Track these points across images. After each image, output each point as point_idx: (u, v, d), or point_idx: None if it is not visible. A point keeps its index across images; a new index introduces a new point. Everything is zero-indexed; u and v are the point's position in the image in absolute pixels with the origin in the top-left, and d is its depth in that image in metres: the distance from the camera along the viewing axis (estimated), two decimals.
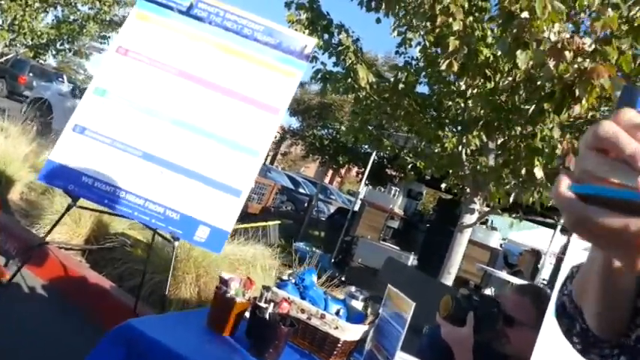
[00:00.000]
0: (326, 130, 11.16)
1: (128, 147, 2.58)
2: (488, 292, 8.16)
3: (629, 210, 0.35)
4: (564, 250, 11.24)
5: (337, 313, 2.04)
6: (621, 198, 0.35)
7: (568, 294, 0.69)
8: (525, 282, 7.85)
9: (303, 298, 2.07)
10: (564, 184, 0.39)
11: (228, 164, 2.57)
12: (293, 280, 2.14)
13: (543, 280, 9.09)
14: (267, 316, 1.81)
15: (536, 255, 8.81)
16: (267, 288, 2.03)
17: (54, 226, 2.75)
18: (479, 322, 2.10)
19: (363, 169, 11.26)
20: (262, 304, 1.90)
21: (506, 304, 2.13)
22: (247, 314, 1.97)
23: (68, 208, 2.62)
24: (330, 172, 19.30)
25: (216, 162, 2.57)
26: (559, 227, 8.38)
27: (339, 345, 1.96)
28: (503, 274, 7.80)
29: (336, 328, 1.95)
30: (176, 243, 2.53)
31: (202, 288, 4.48)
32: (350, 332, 1.96)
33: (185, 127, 2.58)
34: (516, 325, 2.07)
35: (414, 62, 4.48)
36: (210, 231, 2.51)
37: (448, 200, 9.59)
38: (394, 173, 11.12)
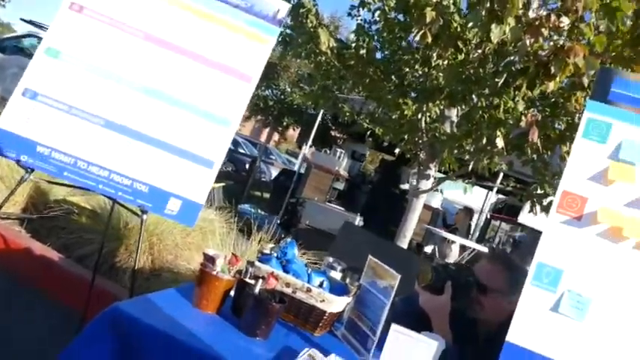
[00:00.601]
0: (270, 91, 10.95)
1: (88, 115, 2.41)
2: (429, 249, 8.56)
3: None
4: (494, 207, 11.93)
5: (320, 286, 2.06)
6: None
7: None
8: (461, 239, 8.30)
9: (286, 271, 2.07)
10: None
11: (199, 134, 2.47)
12: (275, 254, 2.13)
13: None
14: (257, 293, 1.80)
15: (469, 213, 9.30)
16: (251, 263, 2.01)
17: (4, 201, 2.55)
18: (455, 290, 2.21)
19: (304, 129, 11.21)
20: (250, 281, 1.88)
21: (480, 272, 2.25)
22: (232, 291, 1.95)
23: (21, 181, 2.43)
24: (267, 130, 19.06)
25: (186, 131, 2.46)
26: (495, 189, 8.83)
27: (325, 317, 1.99)
28: (442, 232, 8.18)
29: (323, 301, 1.97)
30: (144, 217, 2.43)
31: (156, 256, 4.37)
32: (336, 304, 2.00)
33: (152, 94, 2.43)
34: (489, 292, 2.20)
35: (366, 26, 4.43)
36: (181, 203, 2.43)
37: (390, 162, 9.81)
38: (339, 135, 11.18)
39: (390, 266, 3.76)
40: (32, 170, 2.40)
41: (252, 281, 1.88)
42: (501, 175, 6.26)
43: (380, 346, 1.77)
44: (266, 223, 4.88)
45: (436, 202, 8.63)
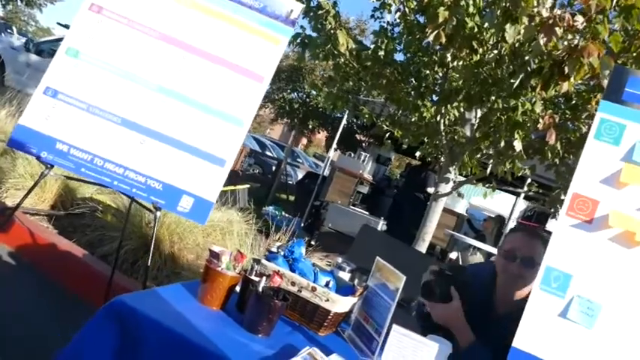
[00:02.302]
0: (296, 94, 11.01)
1: (106, 113, 2.47)
2: (454, 255, 8.43)
3: None
4: (524, 214, 11.69)
5: (327, 285, 2.05)
6: None
7: None
8: (486, 245, 8.14)
9: (292, 270, 2.08)
10: None
11: (212, 133, 2.50)
12: (282, 253, 2.14)
13: None
14: (260, 290, 1.81)
15: (499, 221, 9.11)
16: (257, 261, 2.02)
17: (27, 193, 2.63)
18: (460, 292, 2.17)
19: (331, 134, 11.22)
20: (254, 278, 1.89)
21: (522, 246, 2.15)
22: (237, 288, 1.96)
23: (41, 176, 2.51)
24: (294, 134, 19.19)
25: (199, 130, 2.50)
26: (522, 195, 8.64)
27: (330, 317, 1.98)
28: (468, 239, 8.04)
29: (327, 300, 1.97)
30: (158, 213, 2.48)
31: (177, 255, 4.44)
32: (340, 304, 1.99)
33: (166, 93, 2.48)
34: (536, 265, 2.09)
35: (389, 28, 4.41)
36: (194, 201, 2.46)
37: (416, 167, 9.72)
38: (364, 139, 11.15)
39: (407, 271, 3.72)
40: (52, 166, 2.48)
41: (257, 279, 1.89)
42: (528, 180, 6.11)
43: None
44: (287, 225, 4.91)
45: (461, 207, 8.51)
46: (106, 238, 4.23)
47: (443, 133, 3.80)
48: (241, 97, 2.54)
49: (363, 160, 9.21)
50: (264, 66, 2.56)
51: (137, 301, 1.68)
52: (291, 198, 11.21)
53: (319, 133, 13.23)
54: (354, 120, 9.02)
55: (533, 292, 1.80)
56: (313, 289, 1.99)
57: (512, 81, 2.78)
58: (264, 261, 2.05)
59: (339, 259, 2.37)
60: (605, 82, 2.26)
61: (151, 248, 2.55)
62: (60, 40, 11.62)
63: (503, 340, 1.82)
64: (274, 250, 2.16)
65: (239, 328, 1.79)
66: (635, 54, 2.47)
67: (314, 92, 9.63)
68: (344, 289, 2.12)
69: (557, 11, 2.18)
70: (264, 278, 1.86)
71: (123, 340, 1.61)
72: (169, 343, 1.59)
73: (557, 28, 2.13)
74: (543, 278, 1.78)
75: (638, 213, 1.73)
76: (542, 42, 2.16)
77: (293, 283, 2.00)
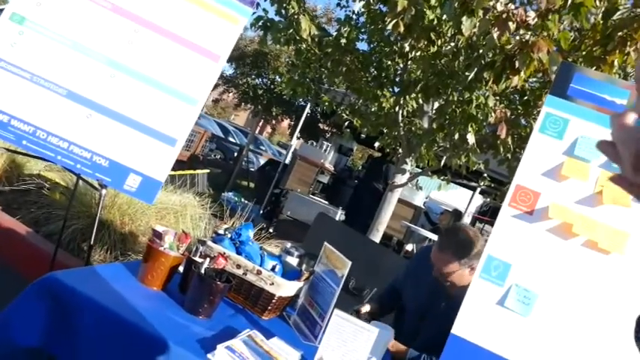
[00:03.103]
0: (260, 80, 10.88)
1: (50, 84, 2.36)
2: (410, 247, 8.56)
3: None
4: (480, 209, 11.97)
5: (273, 269, 2.04)
6: None
7: None
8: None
9: (239, 253, 2.05)
10: (630, 118, 0.41)
11: (163, 111, 2.43)
12: (229, 235, 2.11)
13: None
14: (202, 271, 1.77)
15: (456, 215, 9.29)
16: (202, 242, 1.99)
17: None
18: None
19: (295, 122, 11.18)
20: (198, 259, 1.86)
21: (436, 262, 2.20)
22: (181, 268, 1.92)
23: None
24: (261, 122, 19.03)
25: (149, 107, 2.42)
26: (478, 190, 8.84)
27: (274, 301, 1.97)
28: (424, 231, 8.18)
29: (272, 284, 1.95)
30: (103, 191, 2.40)
31: (127, 237, 4.33)
32: (285, 288, 1.97)
33: (116, 67, 2.38)
34: (447, 277, 2.14)
35: (354, 17, 4.40)
36: (141, 180, 2.39)
37: (376, 158, 9.79)
38: (327, 128, 11.14)
39: (362, 260, 3.74)
40: None
41: (201, 260, 1.85)
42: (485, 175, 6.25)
43: None
44: (242, 210, 4.87)
45: (419, 200, 8.63)
46: (52, 217, 4.09)
47: (401, 124, 3.83)
48: (196, 76, 2.47)
49: (325, 150, 9.21)
50: (221, 45, 2.50)
51: (72, 278, 1.62)
52: (252, 185, 11.12)
53: (283, 120, 13.15)
54: (317, 109, 9.00)
55: (474, 280, 1.84)
56: (258, 273, 1.97)
57: (467, 74, 2.82)
58: (209, 242, 2.01)
59: (288, 244, 2.36)
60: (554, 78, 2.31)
61: (95, 227, 2.46)
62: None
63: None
64: (221, 232, 2.13)
65: (179, 309, 1.75)
66: (585, 52, 2.54)
67: (279, 79, 9.54)
68: (290, 274, 2.11)
69: (512, 6, 2.22)
70: (208, 260, 1.83)
71: (54, 316, 1.55)
72: (105, 322, 1.54)
73: (510, 23, 2.17)
74: (484, 267, 1.82)
75: (577, 206, 1.78)
76: (495, 36, 2.19)
77: (238, 266, 1.98)
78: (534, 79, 3.55)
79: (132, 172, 2.38)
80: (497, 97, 3.16)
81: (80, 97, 2.36)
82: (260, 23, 3.64)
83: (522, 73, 2.32)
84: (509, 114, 2.87)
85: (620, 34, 2.61)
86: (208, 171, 9.50)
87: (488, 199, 11.11)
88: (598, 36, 2.47)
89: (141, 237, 4.49)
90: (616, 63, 2.58)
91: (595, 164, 1.78)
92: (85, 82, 2.38)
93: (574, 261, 1.76)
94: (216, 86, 12.02)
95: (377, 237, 4.26)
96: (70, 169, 2.40)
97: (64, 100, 2.35)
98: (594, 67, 2.44)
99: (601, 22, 2.43)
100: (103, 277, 1.75)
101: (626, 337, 1.66)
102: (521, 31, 2.27)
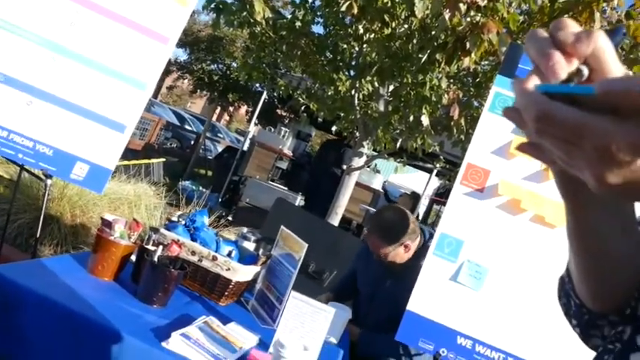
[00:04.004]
0: (216, 65, 10.65)
1: None
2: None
3: (593, 109, 0.36)
4: (437, 192, 12.23)
5: (229, 255, 2.01)
6: (579, 93, 0.37)
7: (567, 269, 0.65)
8: None
9: (194, 239, 2.01)
10: (531, 83, 0.41)
11: (111, 96, 2.34)
12: (183, 222, 2.06)
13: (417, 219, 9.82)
14: (155, 260, 1.73)
15: (414, 198, 9.45)
16: (154, 230, 1.94)
17: None
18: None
19: (252, 108, 11.05)
20: (150, 247, 1.81)
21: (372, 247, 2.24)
22: (133, 257, 1.87)
23: None
24: (219, 109, 18.74)
25: (95, 93, 2.32)
26: (435, 172, 9.01)
27: (231, 286, 1.94)
28: None
29: (228, 269, 1.93)
30: (48, 181, 2.30)
31: (79, 230, 4.20)
32: (242, 273, 1.95)
33: (58, 50, 2.27)
34: (382, 257, 2.18)
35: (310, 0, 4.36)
36: (89, 168, 2.30)
37: (331, 140, 9.81)
38: (284, 114, 11.06)
39: (321, 244, 3.74)
40: None
41: (154, 248, 1.80)
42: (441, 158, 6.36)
43: None
44: (198, 198, 4.79)
45: (377, 183, 8.72)
46: None
47: (357, 108, 3.83)
48: (144, 59, 2.39)
49: (284, 136, 9.14)
50: (170, 27, 2.42)
51: (15, 272, 1.55)
52: (210, 173, 10.96)
53: (240, 107, 12.97)
54: (275, 94, 8.91)
55: (428, 258, 1.87)
56: (214, 259, 1.94)
57: (420, 56, 2.84)
58: (162, 230, 1.96)
59: (245, 229, 2.33)
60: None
61: (41, 219, 2.36)
62: None
63: (403, 292, 1.91)
64: (174, 219, 2.08)
65: (132, 298, 1.71)
66: None
67: (234, 64, 9.38)
68: (247, 259, 2.09)
69: None
70: (161, 247, 1.79)
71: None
72: (52, 315, 1.48)
73: (460, 4, 2.19)
74: (437, 245, 1.85)
75: (525, 182, 1.83)
76: (447, 17, 2.21)
77: (193, 253, 1.94)
78: (486, 62, 3.62)
79: (78, 161, 2.29)
80: (450, 79, 3.21)
81: (19, 82, 2.25)
82: (212, 5, 3.55)
83: (473, 55, 2.36)
84: (461, 96, 2.92)
85: (565, 16, 2.68)
86: (164, 160, 9.29)
87: (445, 181, 11.37)
88: (545, 18, 2.54)
89: (93, 229, 4.36)
90: None
91: None
92: (24, 67, 2.26)
93: (522, 235, 1.81)
94: (170, 73, 11.72)
95: (336, 220, 4.28)
96: (11, 159, 2.29)
97: (1, 86, 2.23)
98: None
99: (548, 4, 2.50)
100: (51, 270, 1.68)
101: None
102: (472, 13, 2.30)
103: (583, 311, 0.62)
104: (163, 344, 1.42)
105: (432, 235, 2.26)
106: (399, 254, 2.10)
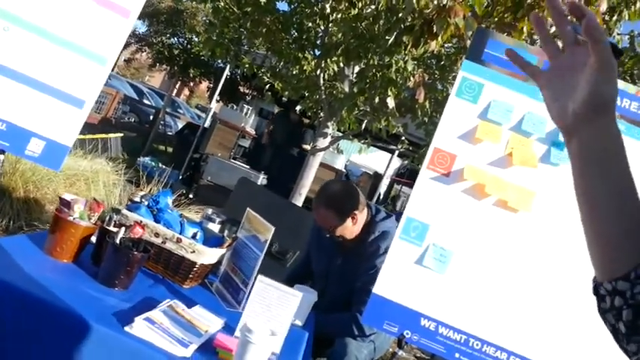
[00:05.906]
0: (176, 39, 10.33)
1: None
2: None
3: None
4: (398, 172, 12.39)
5: (194, 237, 1.98)
6: None
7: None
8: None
9: (157, 221, 1.96)
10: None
11: (69, 70, 2.23)
12: (146, 203, 2.01)
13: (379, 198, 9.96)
14: (117, 241, 1.68)
15: (374, 177, 9.57)
16: (116, 210, 1.88)
17: None
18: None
19: (214, 85, 10.81)
20: (112, 229, 1.76)
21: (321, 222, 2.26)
22: (93, 239, 1.81)
23: None
24: (179, 84, 18.27)
25: (53, 66, 2.21)
26: (397, 153, 9.11)
27: (195, 269, 1.92)
28: None
29: (193, 252, 1.90)
30: (1, 157, 2.19)
31: (32, 205, 4.04)
32: (207, 256, 1.93)
33: (12, 21, 2.14)
34: (334, 231, 2.21)
35: None
36: (45, 145, 2.20)
37: (282, 111, 9.67)
38: (247, 91, 10.88)
39: (285, 224, 3.74)
40: None
41: (115, 229, 1.75)
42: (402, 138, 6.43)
43: None
44: (159, 175, 4.68)
45: (340, 163, 8.75)
46: None
47: (322, 88, 3.80)
48: (104, 33, 2.28)
49: (246, 114, 9.00)
50: (132, 0, 2.32)
51: None
52: (170, 149, 10.72)
53: (201, 83, 12.68)
54: (237, 71, 8.73)
55: (394, 242, 1.89)
56: (178, 241, 1.90)
57: (387, 38, 2.84)
58: (124, 211, 1.91)
59: (209, 211, 2.30)
60: (469, 43, 2.37)
61: None
62: None
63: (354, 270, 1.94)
64: (137, 199, 2.02)
65: (93, 281, 1.66)
66: (497, 19, 2.64)
67: (196, 38, 9.12)
68: (212, 241, 2.06)
69: None
70: (123, 229, 1.74)
71: None
72: (8, 299, 1.42)
73: None
74: (403, 228, 1.88)
75: (489, 167, 1.87)
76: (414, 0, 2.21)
77: (157, 234, 1.90)
78: (450, 45, 3.65)
79: (34, 137, 2.19)
80: (416, 62, 3.23)
81: None
82: None
83: (439, 38, 2.37)
84: (426, 78, 2.94)
85: (529, 1, 2.73)
86: (122, 135, 9.02)
87: (406, 162, 11.54)
88: (509, 3, 2.57)
89: (48, 205, 4.21)
90: (525, 29, 2.72)
91: (506, 127, 1.87)
92: None
93: (486, 219, 1.86)
94: (128, 45, 11.31)
95: (299, 201, 4.28)
96: None
97: None
98: (505, 33, 2.55)
99: None
100: (5, 250, 1.61)
101: (531, 289, 1.79)
102: None
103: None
104: (127, 329, 1.39)
105: (378, 210, 2.31)
106: (348, 228, 2.14)
